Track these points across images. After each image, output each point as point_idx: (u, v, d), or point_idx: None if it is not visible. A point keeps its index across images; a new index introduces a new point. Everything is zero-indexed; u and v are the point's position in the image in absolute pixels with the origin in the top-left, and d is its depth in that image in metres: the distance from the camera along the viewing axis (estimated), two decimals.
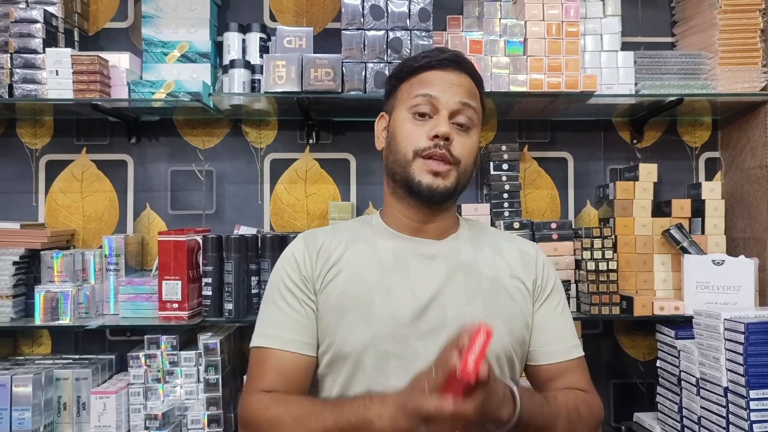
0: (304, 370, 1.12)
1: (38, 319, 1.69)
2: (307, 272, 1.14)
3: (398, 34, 1.72)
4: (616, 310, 1.74)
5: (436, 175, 1.09)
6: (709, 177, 2.04)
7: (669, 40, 2.04)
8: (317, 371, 1.15)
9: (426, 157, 1.09)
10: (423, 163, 1.09)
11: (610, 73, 1.80)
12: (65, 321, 1.70)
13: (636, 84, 1.80)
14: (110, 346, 1.97)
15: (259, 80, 1.79)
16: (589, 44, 1.81)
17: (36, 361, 1.83)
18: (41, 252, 1.78)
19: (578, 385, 1.16)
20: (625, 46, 1.86)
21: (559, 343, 1.18)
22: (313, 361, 1.13)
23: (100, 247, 1.84)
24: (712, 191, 1.86)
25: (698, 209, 1.86)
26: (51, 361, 1.83)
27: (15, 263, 1.73)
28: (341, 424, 0.97)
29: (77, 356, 1.89)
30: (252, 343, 1.13)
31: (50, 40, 1.75)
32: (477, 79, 1.18)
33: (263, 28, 1.87)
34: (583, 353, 1.19)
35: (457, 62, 1.15)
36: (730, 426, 1.46)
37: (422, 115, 1.11)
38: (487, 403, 0.89)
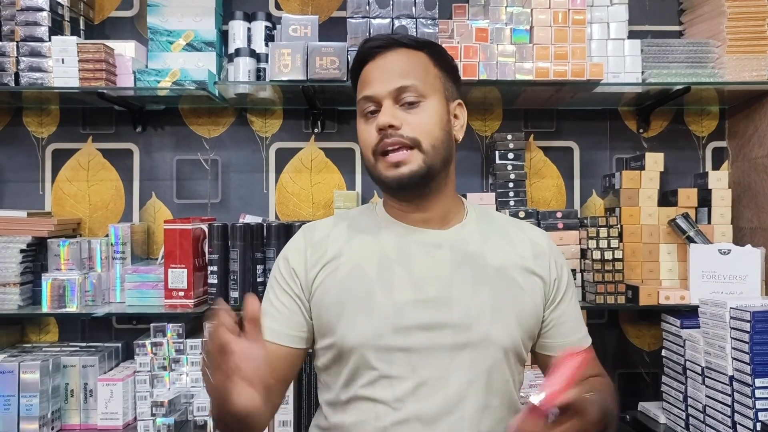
0: (287, 361, 1.12)
1: (45, 307, 1.70)
2: (298, 265, 1.14)
3: (404, 22, 1.72)
4: (621, 300, 1.74)
5: (397, 165, 1.08)
6: (716, 166, 2.03)
7: (676, 28, 2.03)
8: (320, 365, 1.15)
9: (382, 153, 1.08)
10: (383, 161, 1.09)
11: (617, 61, 1.79)
12: (72, 309, 1.71)
13: (643, 72, 1.79)
14: (116, 334, 1.98)
15: (264, 69, 1.79)
16: (595, 32, 1.80)
17: (43, 349, 1.85)
18: (48, 240, 1.79)
19: (596, 372, 1.20)
20: (632, 35, 1.84)
21: (576, 333, 1.21)
22: (299, 353, 1.14)
23: (107, 235, 1.85)
24: (718, 181, 1.85)
25: (705, 199, 1.85)
26: (58, 349, 1.84)
27: (22, 251, 1.74)
28: (211, 399, 0.97)
29: (84, 344, 1.90)
30: None
31: (56, 29, 1.75)
32: (418, 45, 1.13)
33: (268, 17, 1.86)
34: (590, 339, 1.24)
35: (386, 44, 1.12)
36: (736, 414, 1.46)
37: (372, 112, 1.11)
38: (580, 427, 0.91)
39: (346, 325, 1.08)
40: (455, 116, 1.16)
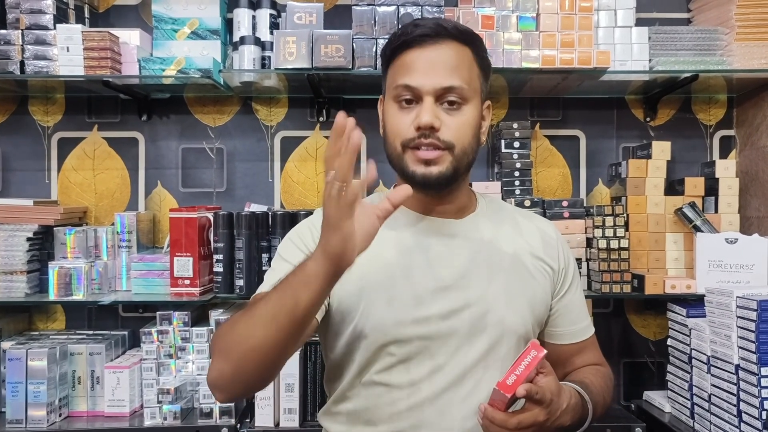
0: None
1: (52, 295, 1.71)
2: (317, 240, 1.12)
3: (409, 9, 1.70)
4: (627, 289, 1.74)
5: (428, 163, 1.06)
6: (724, 155, 2.02)
7: (685, 15, 2.00)
8: (333, 353, 1.13)
9: (414, 147, 1.07)
10: (413, 154, 1.07)
11: (624, 49, 1.77)
12: (79, 297, 1.71)
13: (650, 60, 1.77)
14: (123, 322, 1.98)
15: (269, 57, 1.78)
16: (602, 20, 1.78)
17: (50, 336, 1.86)
18: (54, 228, 1.80)
19: (596, 360, 1.25)
20: (639, 22, 1.82)
21: (580, 322, 1.23)
22: (313, 325, 1.09)
23: (112, 224, 1.85)
24: (726, 170, 1.84)
25: (712, 188, 1.84)
26: (65, 337, 1.85)
27: (29, 239, 1.74)
28: (282, 294, 0.91)
29: (90, 332, 1.91)
30: None
31: (61, 17, 1.75)
32: (465, 39, 1.10)
33: (273, 5, 1.85)
34: (593, 328, 1.28)
35: (435, 33, 1.07)
36: (741, 403, 1.45)
37: (408, 101, 1.08)
38: (543, 418, 0.96)
39: (366, 313, 1.07)
40: (483, 118, 1.14)
